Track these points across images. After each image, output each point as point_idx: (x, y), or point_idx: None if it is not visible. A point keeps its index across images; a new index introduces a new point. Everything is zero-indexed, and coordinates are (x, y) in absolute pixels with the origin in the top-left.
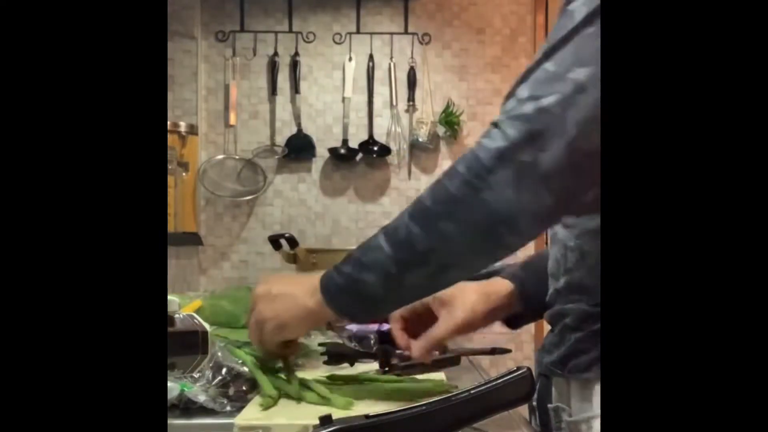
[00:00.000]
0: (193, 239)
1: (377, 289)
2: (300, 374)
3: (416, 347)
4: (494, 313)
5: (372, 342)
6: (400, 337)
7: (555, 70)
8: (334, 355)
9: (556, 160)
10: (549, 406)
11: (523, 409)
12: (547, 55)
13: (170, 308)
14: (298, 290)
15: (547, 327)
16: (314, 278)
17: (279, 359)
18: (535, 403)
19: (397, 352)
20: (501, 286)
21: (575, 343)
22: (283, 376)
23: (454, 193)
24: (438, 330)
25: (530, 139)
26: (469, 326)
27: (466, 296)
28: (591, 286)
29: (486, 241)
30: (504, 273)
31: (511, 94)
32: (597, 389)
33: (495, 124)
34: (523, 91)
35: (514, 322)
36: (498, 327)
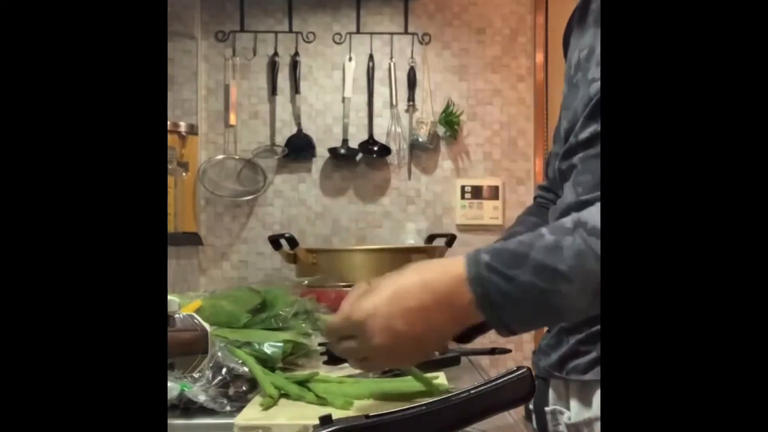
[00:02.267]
0: (193, 239)
1: (575, 302)
2: (300, 374)
3: None
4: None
5: None
6: None
7: None
8: (334, 355)
9: None
10: (546, 409)
11: (521, 411)
12: None
13: (170, 308)
14: (436, 321)
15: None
16: (451, 295)
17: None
18: (532, 406)
19: None
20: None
21: (575, 344)
22: (284, 375)
23: None
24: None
25: None
26: None
27: None
28: None
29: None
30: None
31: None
32: (597, 391)
33: None
34: None
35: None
36: None
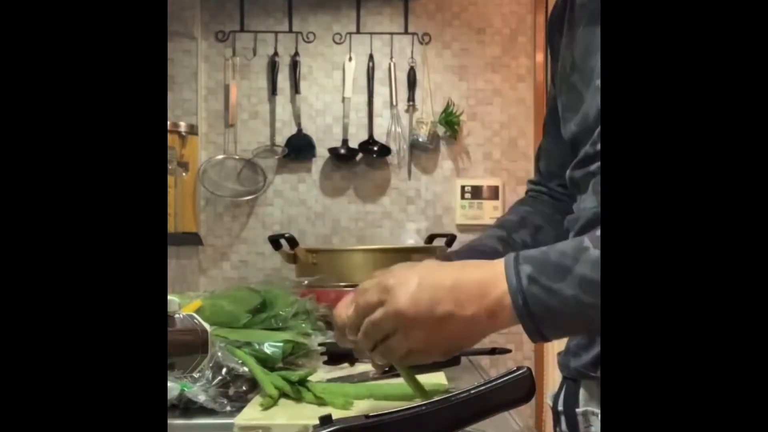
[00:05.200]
0: (193, 239)
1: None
2: (299, 374)
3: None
4: None
5: None
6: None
7: None
8: (334, 355)
9: None
10: (577, 410)
11: (524, 410)
12: None
13: (170, 308)
14: (469, 310)
15: None
16: (489, 291)
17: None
18: (561, 408)
19: None
20: None
21: None
22: (282, 373)
23: None
24: None
25: None
26: None
27: None
28: None
29: None
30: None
31: None
32: None
33: None
34: None
35: None
36: None
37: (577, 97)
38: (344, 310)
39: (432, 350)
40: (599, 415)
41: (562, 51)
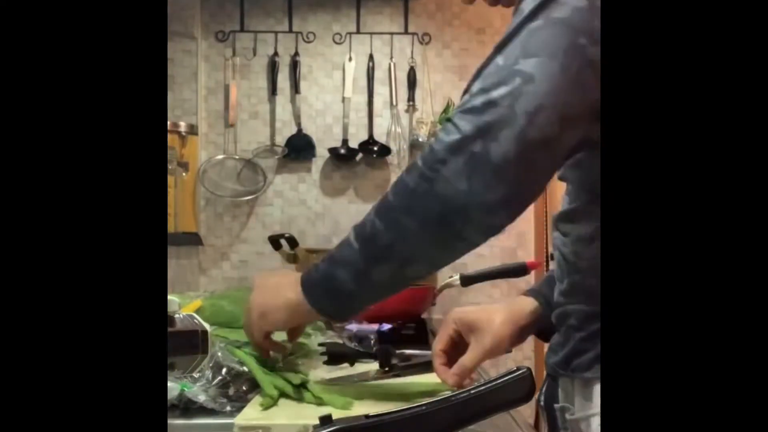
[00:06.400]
0: (193, 239)
1: (348, 285)
2: (300, 374)
3: (450, 377)
4: (522, 332)
5: (372, 342)
6: (442, 371)
7: (503, 64)
8: (334, 355)
9: (505, 151)
10: (555, 405)
11: (524, 410)
12: (498, 49)
13: (170, 308)
14: (283, 282)
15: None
16: (300, 273)
17: (266, 352)
18: (543, 404)
19: (398, 352)
20: (525, 303)
21: (578, 342)
22: (283, 375)
23: (412, 186)
24: (468, 358)
25: (480, 130)
26: (498, 350)
27: (492, 320)
28: (589, 288)
29: (443, 234)
30: (528, 291)
31: (466, 90)
32: (597, 388)
33: (449, 119)
34: (475, 86)
35: (545, 335)
36: None
37: None
38: None
39: (251, 311)
40: (570, 410)
41: None
